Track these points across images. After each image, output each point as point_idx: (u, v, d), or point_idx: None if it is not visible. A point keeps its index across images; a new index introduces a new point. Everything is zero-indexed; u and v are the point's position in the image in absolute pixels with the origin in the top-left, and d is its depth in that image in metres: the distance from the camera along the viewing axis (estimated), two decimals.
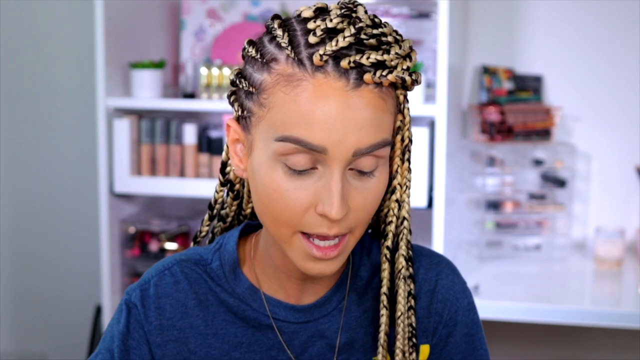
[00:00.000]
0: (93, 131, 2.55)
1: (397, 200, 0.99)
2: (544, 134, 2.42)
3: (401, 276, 0.99)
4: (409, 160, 0.99)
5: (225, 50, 2.51)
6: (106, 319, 2.37)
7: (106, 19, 2.24)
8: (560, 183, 2.44)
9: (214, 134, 2.32)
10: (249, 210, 1.09)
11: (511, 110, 2.40)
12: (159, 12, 2.58)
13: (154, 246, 2.44)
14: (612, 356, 2.57)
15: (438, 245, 2.06)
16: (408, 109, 0.97)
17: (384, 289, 0.99)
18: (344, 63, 0.88)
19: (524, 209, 2.44)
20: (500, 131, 2.39)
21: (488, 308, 2.07)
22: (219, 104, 2.26)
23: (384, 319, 0.99)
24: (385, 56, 0.89)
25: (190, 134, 2.30)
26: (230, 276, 1.02)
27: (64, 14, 2.76)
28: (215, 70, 2.28)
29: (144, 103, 2.30)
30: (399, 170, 0.98)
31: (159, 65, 2.32)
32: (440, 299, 1.05)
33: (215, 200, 1.08)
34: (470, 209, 2.46)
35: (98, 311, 2.64)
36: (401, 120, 0.96)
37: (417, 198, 2.12)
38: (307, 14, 0.91)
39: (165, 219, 2.50)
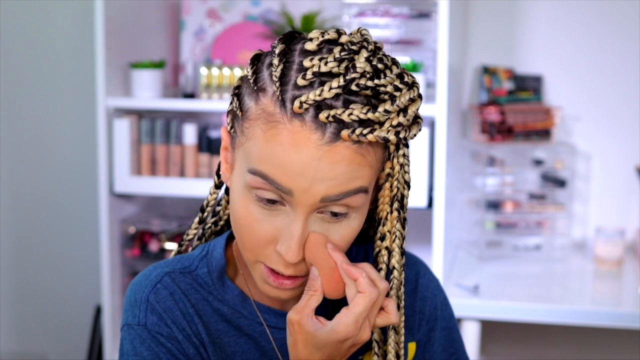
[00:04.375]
0: (93, 131, 2.55)
1: (387, 248, 0.97)
2: (544, 134, 2.42)
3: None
4: (399, 210, 0.96)
5: (225, 50, 2.51)
6: (106, 319, 2.37)
7: (106, 19, 2.24)
8: (560, 183, 2.44)
9: (214, 134, 2.32)
10: None
11: (511, 110, 2.40)
12: (159, 12, 2.58)
13: (154, 246, 2.44)
14: (612, 356, 2.57)
15: (438, 245, 2.06)
16: (404, 155, 0.93)
17: None
18: (322, 116, 0.85)
19: (524, 209, 2.44)
20: (500, 131, 2.39)
21: (488, 308, 2.07)
22: (219, 104, 2.26)
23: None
24: (370, 114, 0.85)
25: (190, 134, 2.30)
26: (218, 283, 1.01)
27: (64, 14, 2.76)
28: (215, 70, 2.28)
29: (144, 103, 2.30)
30: (388, 217, 0.96)
31: (159, 65, 2.32)
32: (420, 297, 1.08)
33: (208, 203, 1.06)
34: (470, 209, 2.46)
35: (98, 311, 2.64)
36: (391, 168, 0.94)
37: (417, 198, 2.12)
38: (310, 46, 0.88)
39: (165, 219, 2.50)
